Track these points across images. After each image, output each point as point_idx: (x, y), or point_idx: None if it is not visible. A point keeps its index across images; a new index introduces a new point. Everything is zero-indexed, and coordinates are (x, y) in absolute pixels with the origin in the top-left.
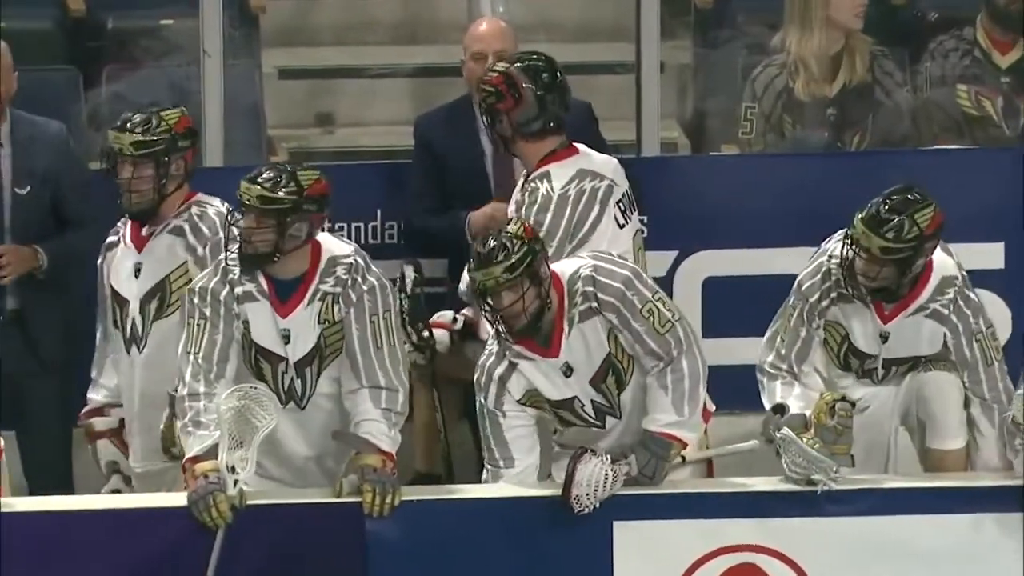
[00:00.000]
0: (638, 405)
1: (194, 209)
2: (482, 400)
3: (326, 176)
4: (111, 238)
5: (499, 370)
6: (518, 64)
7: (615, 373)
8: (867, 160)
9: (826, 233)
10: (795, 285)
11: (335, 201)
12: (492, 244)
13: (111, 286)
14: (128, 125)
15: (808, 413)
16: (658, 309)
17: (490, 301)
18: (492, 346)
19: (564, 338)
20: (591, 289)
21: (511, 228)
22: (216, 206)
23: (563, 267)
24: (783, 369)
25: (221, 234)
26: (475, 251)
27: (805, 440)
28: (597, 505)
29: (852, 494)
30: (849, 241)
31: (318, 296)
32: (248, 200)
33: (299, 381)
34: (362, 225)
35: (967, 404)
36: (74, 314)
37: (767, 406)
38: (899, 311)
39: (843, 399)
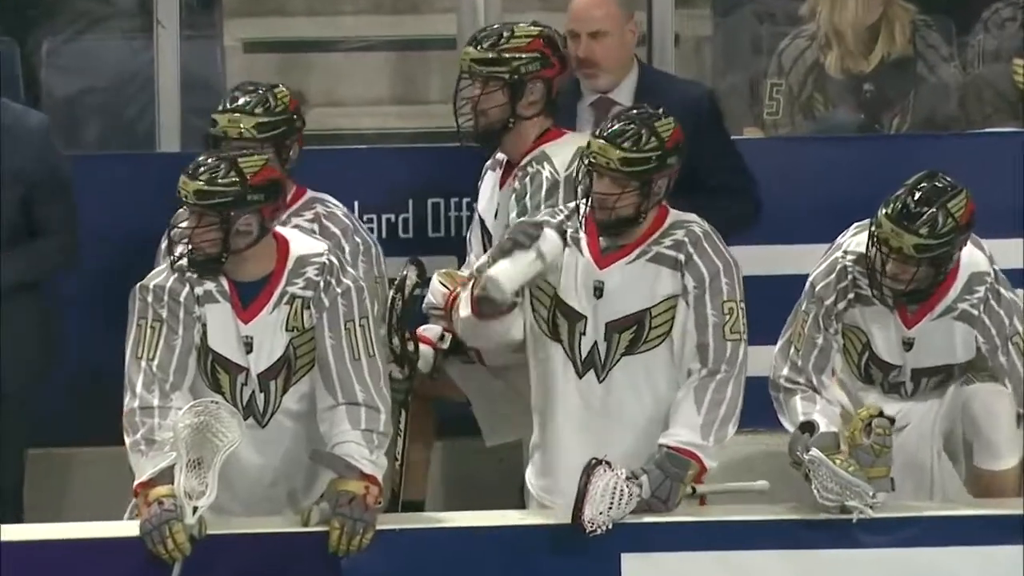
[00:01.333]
0: (626, 396)
1: (319, 208)
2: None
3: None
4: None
5: (556, 221)
6: (535, 27)
7: (637, 333)
8: (907, 144)
9: None
10: (807, 286)
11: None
12: (633, 119)
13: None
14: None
15: (837, 430)
16: (738, 314)
17: (588, 172)
18: (558, 211)
19: (624, 260)
20: (688, 244)
21: (660, 123)
22: (337, 207)
23: (677, 212)
24: (800, 383)
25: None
26: (609, 119)
27: (838, 462)
28: (610, 527)
29: (892, 523)
30: (874, 241)
31: (285, 299)
32: (186, 196)
33: (261, 395)
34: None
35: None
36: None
37: (788, 425)
38: (924, 314)
39: (881, 414)
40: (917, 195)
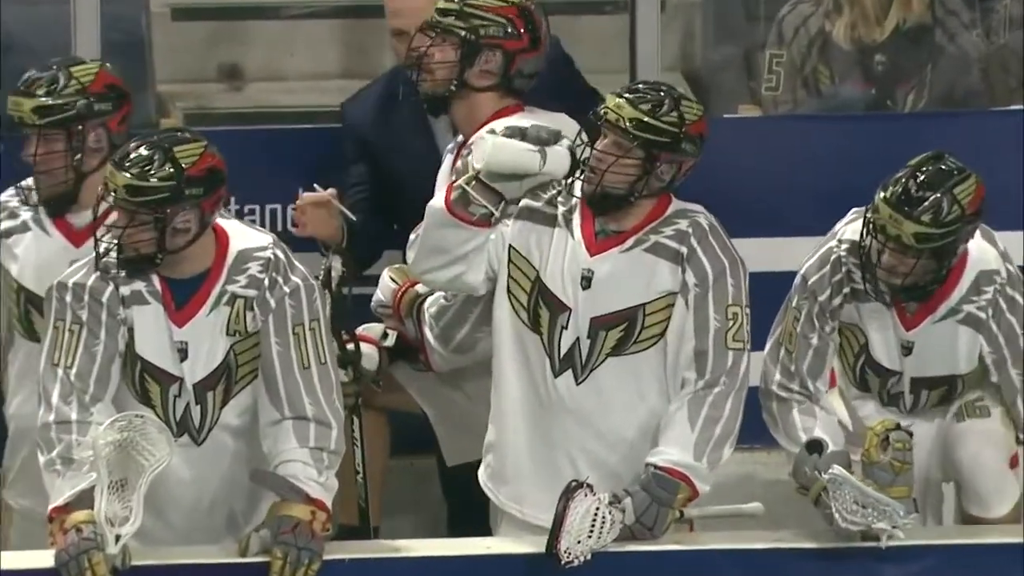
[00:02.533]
0: (610, 403)
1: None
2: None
3: (233, 144)
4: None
5: (533, 203)
6: None
7: (627, 331)
8: (924, 123)
9: None
10: (799, 280)
11: (243, 177)
12: (660, 89)
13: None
14: (30, 88)
15: (845, 448)
16: (742, 321)
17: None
18: (553, 186)
19: (618, 248)
20: (693, 236)
21: (687, 104)
22: None
23: (679, 201)
24: (795, 390)
25: None
26: (634, 83)
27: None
28: (588, 557)
29: (920, 551)
30: (870, 228)
31: (225, 300)
32: (115, 191)
33: (197, 408)
34: (278, 207)
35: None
36: None
37: (783, 441)
38: (925, 315)
39: (898, 427)
40: (920, 178)
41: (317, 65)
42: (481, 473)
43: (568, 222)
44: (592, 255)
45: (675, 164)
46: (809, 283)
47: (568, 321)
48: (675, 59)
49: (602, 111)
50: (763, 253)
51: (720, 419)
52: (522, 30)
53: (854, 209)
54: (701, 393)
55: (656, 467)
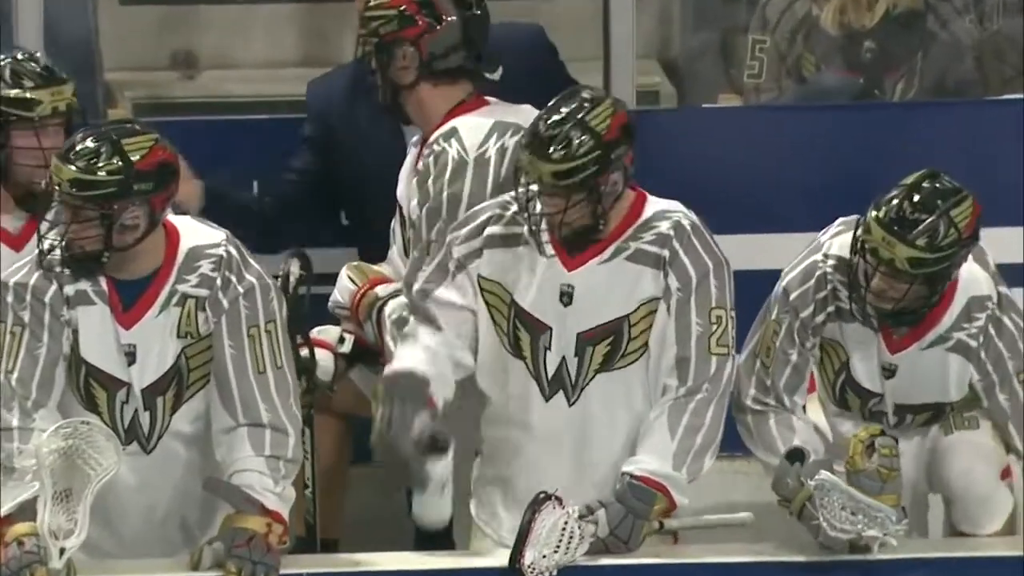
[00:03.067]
0: (601, 419)
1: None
2: (450, 239)
3: (186, 136)
4: None
5: (497, 228)
6: None
7: (614, 345)
8: (914, 114)
9: (859, 211)
10: (779, 292)
11: (196, 170)
12: (558, 123)
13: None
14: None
15: (828, 458)
16: (726, 324)
17: (527, 188)
18: (493, 206)
19: (596, 260)
20: (675, 238)
21: (595, 113)
22: None
23: (656, 199)
24: (771, 404)
25: None
26: (534, 126)
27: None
28: (554, 573)
29: (912, 564)
30: (860, 249)
31: (175, 300)
32: (59, 186)
33: (146, 415)
34: None
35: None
36: None
37: (759, 453)
38: (912, 340)
39: (883, 433)
40: (915, 198)
41: (275, 52)
42: (477, 510)
43: (536, 237)
44: (570, 269)
45: (620, 169)
46: (791, 298)
47: (551, 341)
48: (651, 45)
49: (520, 171)
50: (744, 250)
51: (701, 428)
52: (415, 13)
53: (841, 220)
54: (682, 400)
55: (632, 476)
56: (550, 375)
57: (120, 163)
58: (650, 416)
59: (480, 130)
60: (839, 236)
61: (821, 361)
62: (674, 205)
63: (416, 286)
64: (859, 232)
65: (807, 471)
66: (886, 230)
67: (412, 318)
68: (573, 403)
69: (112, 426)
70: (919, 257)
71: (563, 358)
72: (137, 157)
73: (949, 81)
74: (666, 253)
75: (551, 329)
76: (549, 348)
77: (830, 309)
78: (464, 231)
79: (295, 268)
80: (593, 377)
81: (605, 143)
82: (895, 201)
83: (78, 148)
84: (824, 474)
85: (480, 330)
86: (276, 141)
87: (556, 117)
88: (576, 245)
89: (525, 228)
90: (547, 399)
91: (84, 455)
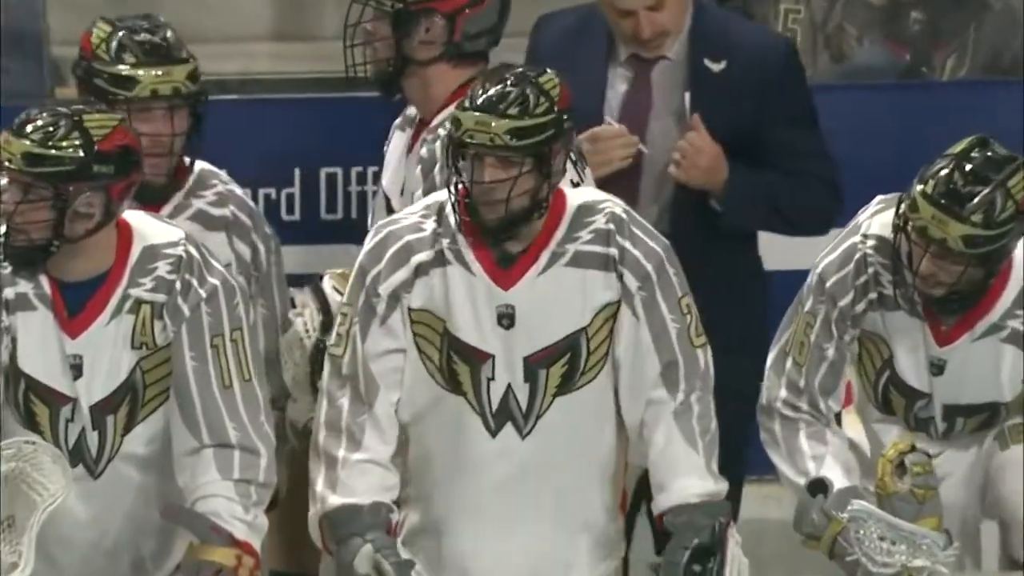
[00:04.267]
0: (559, 449)
1: (220, 186)
2: (359, 277)
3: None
4: None
5: (423, 255)
6: None
7: (571, 364)
8: (966, 93)
9: None
10: (813, 279)
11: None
12: (511, 83)
13: None
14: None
15: (857, 484)
16: (694, 310)
17: (465, 160)
18: (421, 215)
19: (533, 271)
20: (616, 233)
21: (544, 79)
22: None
23: (575, 190)
24: (803, 409)
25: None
26: (480, 88)
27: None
28: None
29: None
30: (905, 228)
31: (128, 306)
32: (9, 161)
33: (95, 435)
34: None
35: None
36: None
37: (782, 465)
38: (962, 331)
39: (913, 448)
40: (967, 168)
41: (243, 26)
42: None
43: (459, 256)
44: (506, 288)
45: (564, 147)
46: (828, 285)
47: (493, 370)
48: None
49: (461, 139)
50: (778, 248)
51: (709, 428)
52: None
53: (880, 197)
54: (682, 407)
55: (690, 505)
56: (494, 407)
57: (80, 140)
58: (654, 438)
59: None
60: (879, 215)
61: (860, 360)
62: (595, 194)
63: (336, 352)
64: (904, 209)
65: (833, 503)
66: (936, 206)
67: (322, 433)
68: (527, 435)
69: (56, 447)
70: (974, 235)
71: (509, 386)
72: (99, 136)
73: (1004, 58)
74: (613, 251)
75: (493, 357)
76: (492, 378)
77: (871, 296)
78: (384, 263)
79: (311, 311)
80: (551, 403)
81: (559, 109)
82: (944, 172)
83: (34, 122)
84: (857, 503)
85: (407, 369)
86: (247, 124)
87: (509, 78)
88: (505, 257)
89: (446, 242)
90: (494, 435)
91: (29, 479)
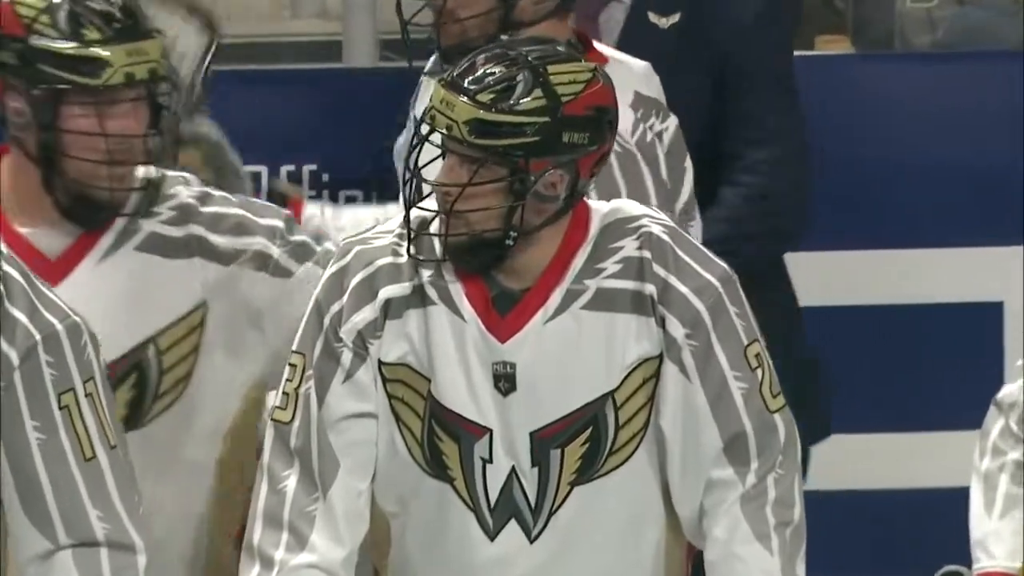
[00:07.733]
0: (582, 553)
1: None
2: (315, 315)
3: None
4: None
5: (393, 289)
6: None
7: (594, 440)
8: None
9: None
10: None
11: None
12: (509, 61)
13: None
14: None
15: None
16: (768, 361)
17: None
18: (398, 234)
19: (539, 316)
20: (653, 260)
21: (565, 68)
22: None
23: (604, 203)
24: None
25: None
26: (470, 58)
27: None
28: None
29: None
30: None
31: None
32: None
33: None
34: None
35: None
36: None
37: (977, 531)
38: None
39: None
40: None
41: None
42: None
43: (443, 293)
44: (503, 340)
45: (568, 166)
46: None
47: (490, 450)
48: None
49: (427, 116)
50: (865, 268)
51: (790, 519)
52: None
53: None
54: (754, 493)
55: None
56: (493, 500)
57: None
58: (715, 533)
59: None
60: None
61: None
62: (629, 206)
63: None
64: None
65: None
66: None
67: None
68: (536, 538)
69: None
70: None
71: (512, 472)
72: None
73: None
74: (650, 287)
75: (490, 432)
76: (489, 460)
77: None
78: (348, 297)
79: None
80: (568, 494)
81: (562, 115)
82: None
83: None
84: None
85: (379, 442)
86: (254, 96)
87: (513, 54)
88: (503, 296)
89: (427, 274)
90: (492, 537)
91: None
